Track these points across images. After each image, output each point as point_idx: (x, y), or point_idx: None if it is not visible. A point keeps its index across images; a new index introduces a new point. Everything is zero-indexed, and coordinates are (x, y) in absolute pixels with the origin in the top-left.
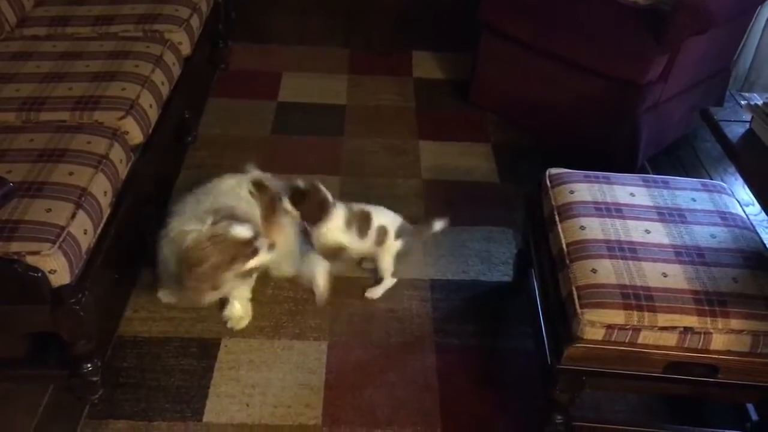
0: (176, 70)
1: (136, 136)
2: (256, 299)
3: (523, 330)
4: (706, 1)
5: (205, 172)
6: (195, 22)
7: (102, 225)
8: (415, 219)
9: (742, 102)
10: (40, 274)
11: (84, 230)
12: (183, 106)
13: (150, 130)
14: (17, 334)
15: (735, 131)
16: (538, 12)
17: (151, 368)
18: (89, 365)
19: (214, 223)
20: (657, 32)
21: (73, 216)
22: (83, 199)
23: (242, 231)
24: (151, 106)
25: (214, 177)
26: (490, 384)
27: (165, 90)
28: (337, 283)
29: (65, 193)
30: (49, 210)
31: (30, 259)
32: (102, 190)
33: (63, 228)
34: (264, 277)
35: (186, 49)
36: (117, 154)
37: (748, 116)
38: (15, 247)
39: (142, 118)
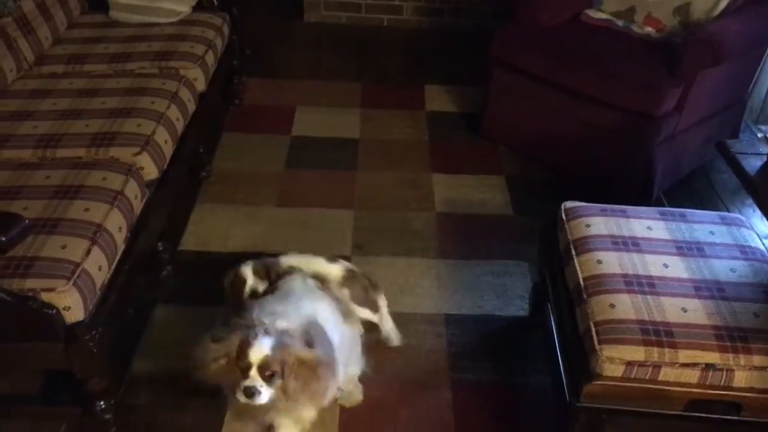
0: (191, 106)
1: (151, 171)
2: None
3: (540, 366)
4: (718, 34)
5: (219, 207)
6: (210, 58)
7: (116, 261)
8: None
9: (759, 135)
10: (54, 311)
11: (99, 266)
12: (197, 141)
13: (165, 166)
14: (30, 372)
15: (752, 164)
16: (550, 47)
17: (165, 406)
18: (102, 403)
19: None
20: (670, 65)
21: (88, 252)
22: (98, 235)
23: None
24: (166, 141)
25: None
26: (506, 421)
27: (180, 126)
28: None
29: (80, 229)
30: (64, 246)
31: (45, 296)
32: (117, 225)
33: (78, 264)
34: None
35: (201, 85)
36: (132, 189)
37: (765, 149)
38: (30, 284)
39: (157, 153)
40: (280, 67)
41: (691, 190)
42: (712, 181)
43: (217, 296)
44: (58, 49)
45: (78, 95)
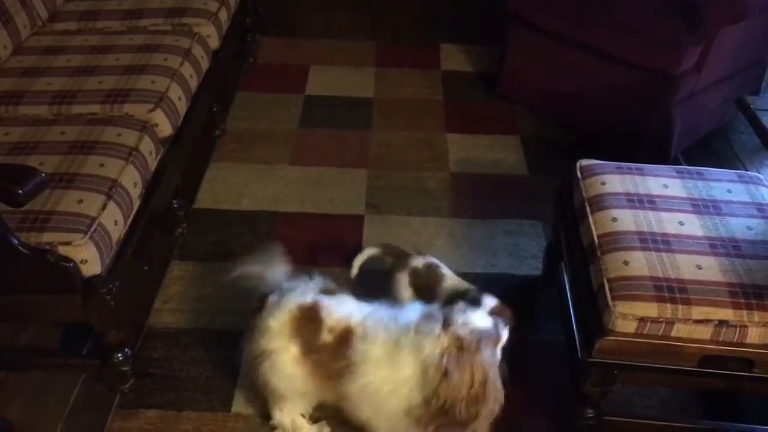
0: (204, 64)
1: (166, 128)
2: None
3: (553, 324)
4: None
5: (233, 165)
6: (223, 15)
7: (132, 216)
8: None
9: None
10: (71, 264)
11: (114, 221)
12: (211, 99)
13: (179, 123)
14: (49, 324)
15: None
16: (568, 2)
17: (181, 359)
18: (120, 355)
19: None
20: (691, 22)
21: (104, 207)
22: (114, 190)
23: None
24: (180, 98)
25: None
26: (519, 378)
27: (193, 83)
28: None
29: (96, 184)
30: (80, 201)
31: (62, 250)
32: (132, 181)
33: (94, 219)
34: None
35: (214, 42)
36: (147, 146)
37: None
38: (47, 237)
39: (171, 110)
40: (293, 25)
41: (709, 150)
42: (731, 141)
43: (230, 253)
44: (70, 6)
45: (91, 52)
